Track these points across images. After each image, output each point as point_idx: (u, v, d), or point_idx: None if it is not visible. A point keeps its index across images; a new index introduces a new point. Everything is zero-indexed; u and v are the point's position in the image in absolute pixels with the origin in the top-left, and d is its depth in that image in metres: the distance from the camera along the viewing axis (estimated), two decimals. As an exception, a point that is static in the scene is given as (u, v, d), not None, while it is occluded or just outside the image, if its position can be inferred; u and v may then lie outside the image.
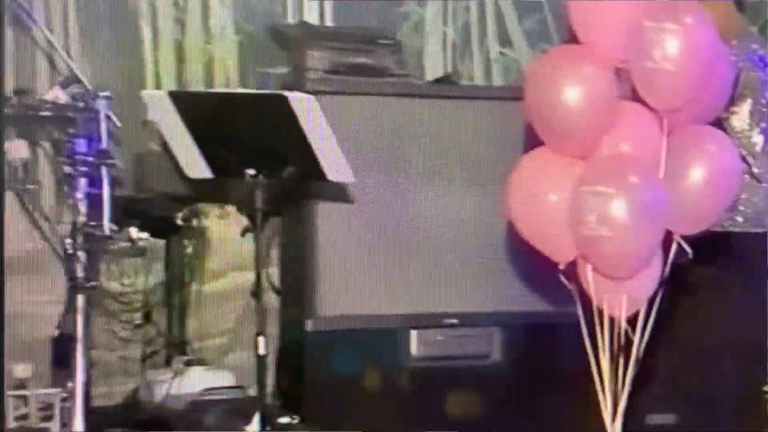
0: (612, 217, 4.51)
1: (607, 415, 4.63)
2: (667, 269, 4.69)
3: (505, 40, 7.01)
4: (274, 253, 6.22)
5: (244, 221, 5.66)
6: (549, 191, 4.72)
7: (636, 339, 4.63)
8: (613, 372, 4.64)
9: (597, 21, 4.69)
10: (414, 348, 6.05)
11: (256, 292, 5.31)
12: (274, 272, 6.21)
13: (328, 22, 6.68)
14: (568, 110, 4.61)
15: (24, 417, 5.34)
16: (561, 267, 4.78)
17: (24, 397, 5.37)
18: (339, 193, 5.70)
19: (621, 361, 4.67)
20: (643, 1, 4.73)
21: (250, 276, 5.54)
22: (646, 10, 4.67)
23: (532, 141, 4.88)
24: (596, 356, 4.62)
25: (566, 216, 4.72)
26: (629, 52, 4.63)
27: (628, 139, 4.75)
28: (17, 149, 5.50)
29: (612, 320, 4.66)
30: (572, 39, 4.82)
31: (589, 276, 4.64)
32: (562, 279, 4.78)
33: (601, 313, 4.62)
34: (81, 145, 5.16)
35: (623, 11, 4.66)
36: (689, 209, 4.64)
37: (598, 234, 4.53)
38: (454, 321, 6.09)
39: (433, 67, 6.83)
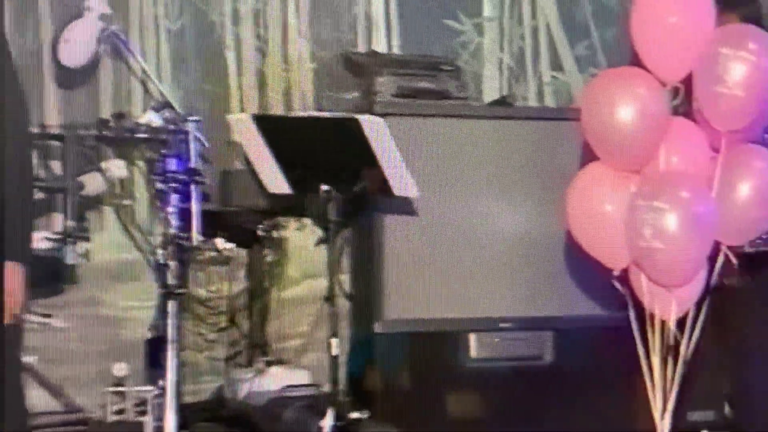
0: (665, 231, 4.52)
1: (657, 413, 4.65)
2: (714, 277, 4.69)
3: (556, 65, 7.04)
4: (346, 262, 6.14)
5: (319, 232, 5.76)
6: (604, 203, 4.74)
7: (684, 341, 4.61)
8: (662, 372, 4.62)
9: (659, 43, 4.66)
10: (473, 350, 6.05)
11: (330, 298, 5.38)
12: (345, 279, 6.18)
13: (395, 51, 6.70)
14: (623, 128, 4.62)
15: (121, 412, 5.43)
16: (615, 273, 4.74)
17: (122, 394, 5.43)
18: (404, 207, 5.71)
19: (669, 362, 4.62)
20: (706, 26, 4.66)
21: (323, 283, 5.57)
22: (713, 35, 4.65)
23: (587, 156, 4.87)
24: (647, 357, 4.61)
25: (621, 226, 4.69)
26: (699, 76, 4.63)
27: (678, 154, 4.73)
28: (116, 168, 5.62)
29: (662, 323, 4.63)
30: (635, 60, 4.80)
31: (642, 282, 4.62)
32: (616, 284, 4.77)
33: (652, 316, 4.61)
34: (172, 163, 5.25)
35: (687, 35, 4.64)
36: (737, 222, 4.65)
37: (652, 246, 4.53)
38: (510, 325, 6.07)
39: (490, 90, 6.86)
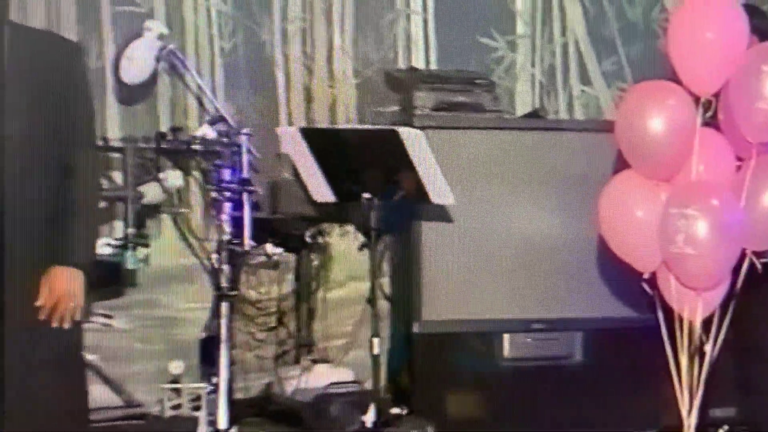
0: (697, 237, 4.54)
1: (684, 410, 4.67)
2: (740, 280, 4.71)
3: (585, 80, 7.02)
4: (386, 266, 6.17)
5: (361, 238, 5.77)
6: (635, 209, 4.78)
7: (710, 341, 4.63)
8: (689, 371, 4.64)
9: (695, 59, 4.67)
10: (506, 350, 6.10)
11: (371, 300, 5.42)
12: (385, 282, 6.20)
13: (433, 67, 6.69)
14: (655, 138, 4.65)
15: (177, 407, 5.52)
16: (645, 276, 4.75)
17: (178, 390, 5.53)
18: (441, 214, 5.75)
19: (696, 361, 4.65)
20: (740, 42, 4.68)
21: (365, 285, 5.59)
22: (753, 51, 4.71)
23: (620, 165, 4.90)
24: (675, 356, 4.64)
25: (651, 230, 4.70)
26: (736, 90, 4.66)
27: (706, 164, 4.74)
28: (173, 178, 5.66)
29: (690, 324, 4.64)
30: (670, 74, 4.83)
31: (671, 285, 4.65)
32: (645, 287, 4.77)
33: (680, 317, 4.65)
34: (226, 174, 5.35)
35: (722, 51, 4.67)
36: (763, 229, 4.67)
37: (684, 252, 4.55)
38: (542, 326, 6.11)
39: (523, 104, 6.87)
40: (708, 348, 4.69)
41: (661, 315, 4.78)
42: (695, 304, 4.64)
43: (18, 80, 3.96)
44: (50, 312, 3.94)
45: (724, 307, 4.77)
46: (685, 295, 4.68)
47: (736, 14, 4.77)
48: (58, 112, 4.02)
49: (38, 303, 3.92)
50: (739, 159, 4.84)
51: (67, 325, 3.97)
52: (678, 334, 4.70)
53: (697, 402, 4.69)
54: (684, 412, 4.69)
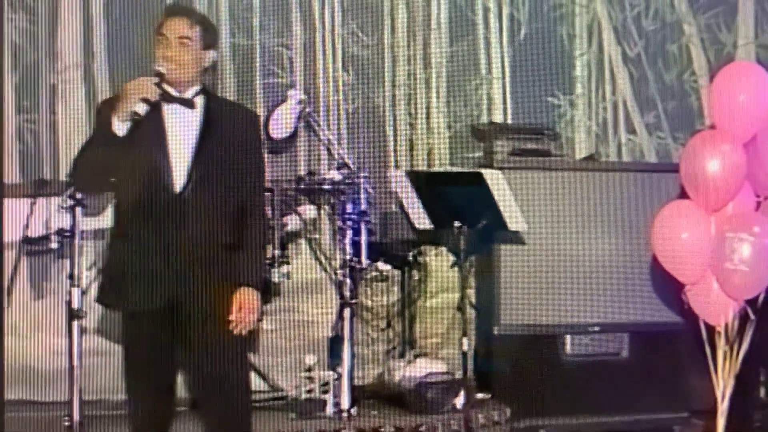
0: (750, 257, 4.61)
1: (719, 395, 4.75)
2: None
3: (631, 130, 7.01)
4: (472, 280, 6.12)
5: (452, 258, 5.90)
6: (683, 231, 4.81)
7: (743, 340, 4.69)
8: (724, 364, 4.70)
9: (731, 114, 4.77)
10: (568, 348, 6.20)
11: (460, 307, 5.55)
12: (472, 293, 6.12)
13: (509, 121, 6.73)
14: (713, 177, 4.72)
15: (310, 391, 5.61)
16: (688, 288, 4.80)
17: (311, 378, 5.62)
18: (516, 238, 5.85)
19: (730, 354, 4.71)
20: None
21: (455, 296, 5.70)
22: None
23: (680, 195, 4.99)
24: (713, 352, 4.70)
25: (696, 249, 4.75)
26: (763, 144, 4.75)
27: (749, 198, 4.86)
28: (309, 211, 5.84)
29: (726, 326, 4.70)
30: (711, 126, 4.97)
31: (714, 294, 4.72)
32: (684, 297, 4.82)
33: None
34: (348, 207, 5.65)
35: (753, 109, 4.77)
36: None
37: (738, 269, 4.61)
38: (596, 329, 6.20)
39: (581, 150, 6.88)
40: (744, 343, 4.69)
41: (702, 318, 4.78)
42: (728, 310, 4.69)
43: (214, 137, 4.09)
44: (237, 323, 4.06)
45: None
46: (721, 303, 4.70)
47: (764, 80, 4.85)
48: (242, 163, 4.14)
49: (231, 317, 4.03)
50: (757, 196, 4.91)
51: (245, 333, 4.11)
52: (716, 334, 4.70)
53: (729, 390, 4.72)
54: (719, 397, 4.71)
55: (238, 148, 4.13)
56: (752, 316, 4.68)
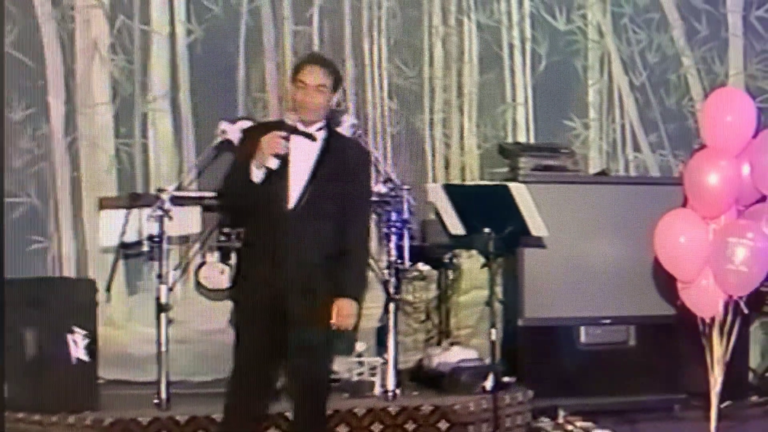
0: (752, 260, 4.58)
1: (712, 377, 4.76)
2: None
3: (637, 148, 7.04)
4: (499, 279, 6.08)
5: (482, 259, 5.74)
6: (680, 235, 4.77)
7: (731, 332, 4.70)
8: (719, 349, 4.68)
9: (721, 135, 4.73)
10: (582, 337, 6.24)
11: (489, 302, 5.45)
12: (499, 290, 6.09)
13: (532, 140, 6.78)
14: (712, 188, 4.70)
15: (361, 374, 5.65)
16: (681, 287, 4.78)
17: (361, 363, 5.67)
18: (538, 243, 5.87)
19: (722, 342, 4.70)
20: (751, 123, 4.71)
21: (485, 292, 5.58)
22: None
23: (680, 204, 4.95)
24: (709, 338, 4.68)
25: (693, 251, 4.69)
26: (759, 154, 4.69)
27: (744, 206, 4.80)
28: None
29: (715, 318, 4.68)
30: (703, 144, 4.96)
31: (710, 291, 4.68)
32: (679, 292, 4.80)
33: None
34: (393, 216, 5.71)
35: (738, 130, 4.73)
36: None
37: (739, 270, 4.57)
38: (607, 321, 6.23)
39: (594, 166, 6.92)
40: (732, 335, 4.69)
41: (702, 312, 4.72)
42: (718, 304, 4.67)
43: (328, 164, 4.26)
44: (336, 326, 4.24)
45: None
46: (713, 298, 4.68)
47: (748, 103, 4.88)
48: (349, 188, 4.29)
49: (332, 322, 4.21)
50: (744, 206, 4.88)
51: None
52: (711, 325, 4.70)
53: (720, 373, 4.71)
54: (712, 380, 4.71)
55: (347, 176, 4.27)
56: (745, 310, 4.67)
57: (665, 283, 5.36)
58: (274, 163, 4.16)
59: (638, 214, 6.00)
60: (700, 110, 6.66)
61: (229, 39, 6.23)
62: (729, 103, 4.87)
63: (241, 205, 4.40)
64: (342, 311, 4.21)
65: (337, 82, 4.34)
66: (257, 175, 4.18)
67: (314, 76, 4.24)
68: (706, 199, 4.70)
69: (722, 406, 4.80)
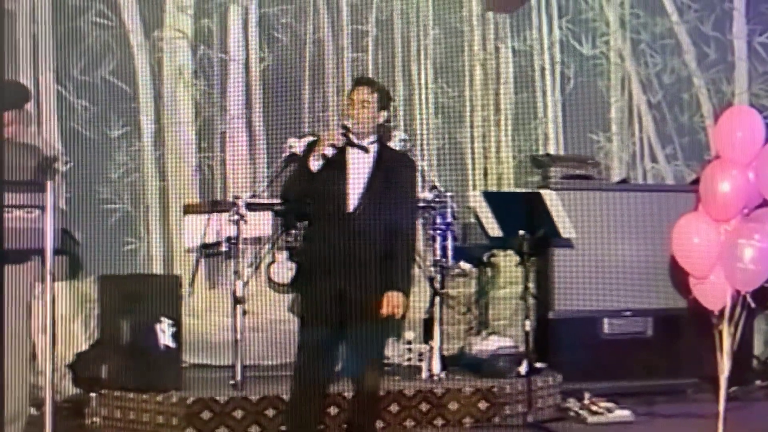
0: (758, 259, 4.48)
1: (721, 363, 4.64)
2: None
3: (654, 159, 6.98)
4: (532, 276, 5.93)
5: (517, 258, 5.81)
6: (695, 236, 4.66)
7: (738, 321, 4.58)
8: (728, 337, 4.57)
9: (732, 145, 4.63)
10: (605, 328, 6.20)
11: (523, 297, 5.47)
12: (532, 286, 5.88)
13: (561, 152, 6.73)
14: (724, 195, 4.60)
15: (410, 360, 5.60)
16: (694, 284, 4.66)
17: (410, 350, 5.64)
18: (567, 243, 5.83)
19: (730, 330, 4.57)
20: (760, 136, 4.58)
21: (519, 288, 5.67)
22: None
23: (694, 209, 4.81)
24: (719, 328, 4.58)
25: (706, 250, 4.58)
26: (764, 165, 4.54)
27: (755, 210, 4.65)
28: None
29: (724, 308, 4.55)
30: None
31: (715, 285, 4.58)
32: (692, 287, 4.67)
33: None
34: (438, 220, 5.67)
35: (746, 142, 4.61)
36: None
37: (748, 268, 4.49)
38: (628, 313, 6.19)
39: (616, 175, 6.86)
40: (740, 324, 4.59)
41: (705, 305, 4.62)
42: (726, 298, 4.57)
43: (381, 174, 4.31)
44: (387, 316, 4.25)
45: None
46: (721, 293, 4.57)
47: (757, 120, 4.76)
48: (399, 194, 4.35)
49: (382, 311, 4.22)
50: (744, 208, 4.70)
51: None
52: (720, 316, 4.58)
53: (727, 360, 4.61)
54: (720, 365, 4.62)
55: (397, 184, 4.34)
56: (753, 304, 4.58)
57: (679, 279, 5.26)
58: (329, 151, 4.24)
59: (655, 218, 5.95)
60: (714, 125, 6.49)
61: (296, 65, 6.26)
62: (740, 119, 4.80)
63: (300, 192, 4.39)
64: (392, 302, 4.23)
65: (383, 100, 4.39)
66: (315, 165, 4.24)
67: (360, 93, 4.34)
68: (719, 204, 4.63)
69: (730, 390, 4.69)
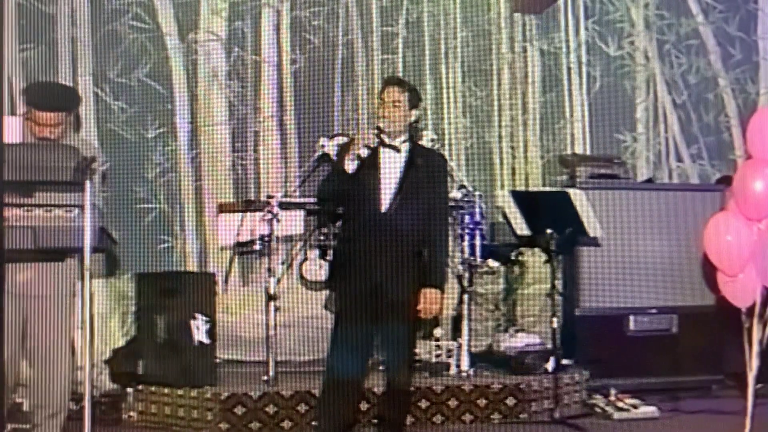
0: None
1: (750, 359, 4.54)
2: None
3: (679, 159, 6.93)
4: (559, 274, 5.80)
5: (544, 256, 5.71)
6: (727, 234, 4.56)
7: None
8: (757, 333, 4.45)
9: (762, 144, 4.51)
10: (631, 325, 6.12)
11: (550, 294, 5.46)
12: (559, 283, 5.79)
13: (588, 152, 6.69)
14: (758, 194, 4.50)
15: (438, 356, 5.55)
16: (727, 281, 4.53)
17: (439, 346, 5.57)
18: (594, 242, 5.76)
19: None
20: None
21: (546, 285, 5.65)
22: None
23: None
24: (750, 323, 4.46)
25: (738, 248, 4.48)
26: None
27: None
28: None
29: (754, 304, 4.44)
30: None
31: (748, 283, 4.47)
32: (720, 285, 4.55)
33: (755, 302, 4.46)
34: (466, 218, 5.60)
35: None
36: None
37: None
38: (653, 311, 6.13)
39: (642, 174, 6.80)
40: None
41: (740, 302, 4.51)
42: (756, 295, 4.46)
43: (413, 172, 4.25)
44: (423, 312, 4.21)
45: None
46: (750, 290, 4.48)
47: None
48: (431, 193, 4.30)
49: (419, 307, 4.19)
50: None
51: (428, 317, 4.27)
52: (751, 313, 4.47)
53: (756, 357, 4.52)
54: (749, 362, 4.52)
55: (429, 182, 4.30)
56: None
57: (705, 277, 5.20)
58: (364, 152, 4.19)
59: (681, 217, 5.91)
60: (738, 125, 6.53)
61: (327, 67, 6.23)
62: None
63: (336, 193, 4.35)
64: (428, 298, 4.18)
65: (414, 100, 4.34)
66: (350, 166, 4.20)
67: (391, 93, 4.30)
68: (752, 202, 4.53)
69: (757, 386, 4.57)
